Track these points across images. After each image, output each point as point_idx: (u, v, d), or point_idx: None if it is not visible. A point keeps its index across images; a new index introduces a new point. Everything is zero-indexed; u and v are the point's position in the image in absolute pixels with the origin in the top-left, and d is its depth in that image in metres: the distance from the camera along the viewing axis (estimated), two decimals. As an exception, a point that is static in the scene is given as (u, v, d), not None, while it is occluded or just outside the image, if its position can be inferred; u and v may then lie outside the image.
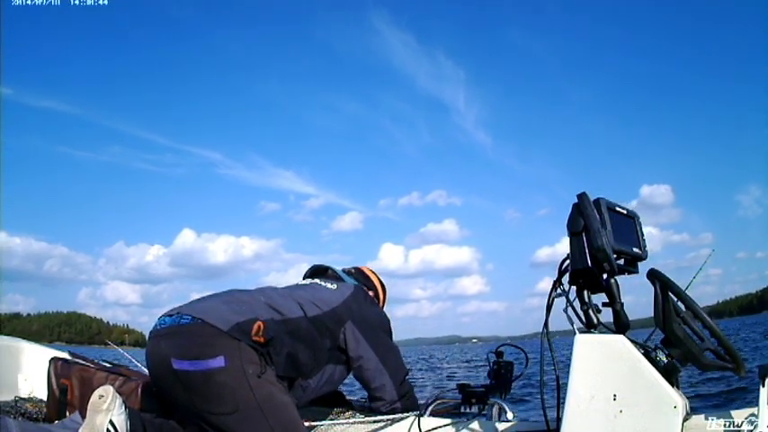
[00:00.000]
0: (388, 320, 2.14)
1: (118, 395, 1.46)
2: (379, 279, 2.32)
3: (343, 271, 2.28)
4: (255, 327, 1.59)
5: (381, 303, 2.29)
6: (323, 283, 2.05)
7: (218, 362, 1.49)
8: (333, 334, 1.89)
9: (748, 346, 11.67)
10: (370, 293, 2.22)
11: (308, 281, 2.11)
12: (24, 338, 2.71)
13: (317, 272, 2.27)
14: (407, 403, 2.03)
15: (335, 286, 2.04)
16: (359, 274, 2.30)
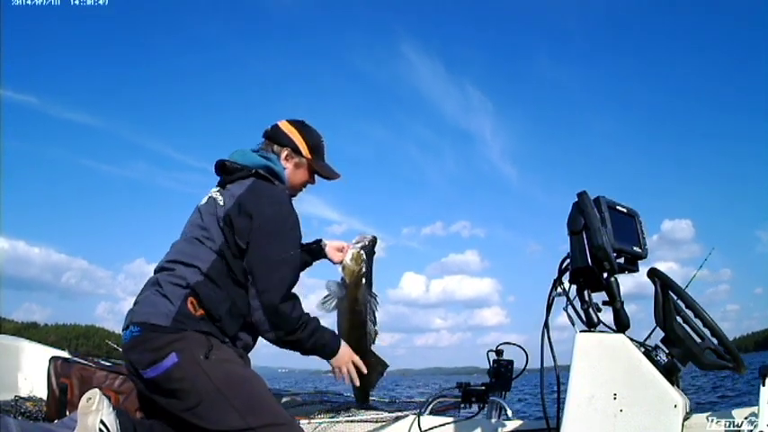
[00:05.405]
0: (287, 215, 1.73)
1: (105, 396, 1.52)
2: (299, 129, 1.91)
3: (259, 147, 1.90)
4: (190, 306, 1.58)
5: (308, 155, 1.89)
6: (216, 197, 1.75)
7: (172, 359, 1.51)
8: (241, 250, 1.66)
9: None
10: (291, 161, 1.86)
11: (208, 197, 1.80)
12: None
13: (221, 170, 1.85)
14: (305, 333, 1.65)
15: (224, 198, 1.72)
16: (275, 133, 1.90)
